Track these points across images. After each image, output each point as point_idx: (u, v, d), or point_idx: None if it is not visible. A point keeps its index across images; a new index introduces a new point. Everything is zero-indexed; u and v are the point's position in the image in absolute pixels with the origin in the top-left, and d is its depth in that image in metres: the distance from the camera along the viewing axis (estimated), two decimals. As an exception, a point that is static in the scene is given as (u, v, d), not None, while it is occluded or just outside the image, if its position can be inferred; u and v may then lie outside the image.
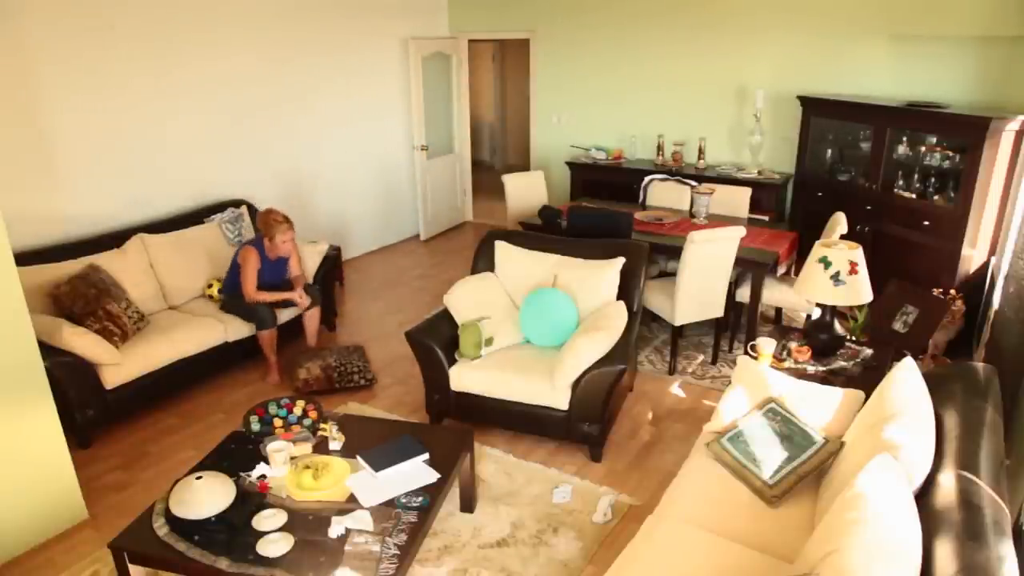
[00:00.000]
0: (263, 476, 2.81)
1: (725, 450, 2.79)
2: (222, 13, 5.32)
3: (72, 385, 3.64)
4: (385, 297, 6.06)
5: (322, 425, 3.10)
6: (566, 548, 3.04)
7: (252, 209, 5.38)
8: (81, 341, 3.67)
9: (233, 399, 4.37)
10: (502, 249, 4.20)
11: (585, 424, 3.59)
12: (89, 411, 3.76)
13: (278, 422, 3.13)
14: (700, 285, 4.37)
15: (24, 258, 4.01)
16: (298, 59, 6.06)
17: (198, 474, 2.68)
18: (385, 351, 5.02)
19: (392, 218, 7.54)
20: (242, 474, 2.83)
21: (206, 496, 2.59)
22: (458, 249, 7.42)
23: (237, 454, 2.98)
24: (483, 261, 4.27)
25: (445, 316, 3.96)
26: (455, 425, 3.82)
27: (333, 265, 5.27)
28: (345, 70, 6.57)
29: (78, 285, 3.95)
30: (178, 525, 2.56)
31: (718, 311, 4.54)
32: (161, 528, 2.55)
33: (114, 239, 4.51)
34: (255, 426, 3.11)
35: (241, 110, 5.62)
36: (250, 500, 2.69)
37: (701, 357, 4.86)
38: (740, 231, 4.27)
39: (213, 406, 4.30)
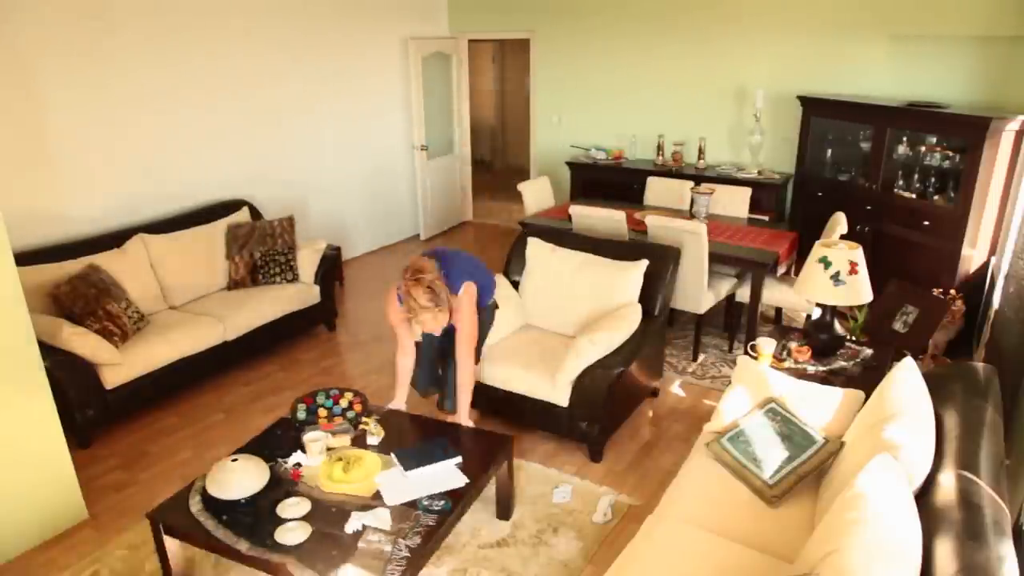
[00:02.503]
0: (298, 464, 2.86)
1: (725, 450, 2.79)
2: (222, 13, 5.32)
3: (72, 385, 3.64)
4: (385, 297, 6.05)
5: (364, 419, 3.11)
6: (566, 548, 3.04)
7: (253, 209, 5.38)
8: (81, 341, 3.67)
9: (233, 399, 4.37)
10: (534, 245, 4.31)
11: (584, 423, 3.59)
12: (89, 411, 3.76)
13: (323, 412, 3.18)
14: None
15: (24, 258, 4.01)
16: (298, 59, 6.06)
17: (234, 456, 2.74)
18: (385, 351, 5.02)
19: (392, 218, 7.54)
20: (280, 460, 2.89)
21: (239, 478, 2.66)
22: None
23: (280, 440, 3.05)
24: (516, 257, 4.40)
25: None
26: (497, 430, 3.80)
27: (333, 265, 5.27)
28: (345, 70, 6.57)
29: (78, 285, 3.95)
30: (212, 504, 2.64)
31: (697, 307, 4.58)
32: (196, 504, 2.64)
33: (114, 239, 4.50)
34: (301, 414, 3.17)
35: (241, 110, 5.62)
36: (280, 486, 2.74)
37: (702, 357, 4.86)
38: (699, 227, 4.35)
39: (213, 406, 4.30)
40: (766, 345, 3.34)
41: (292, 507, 2.60)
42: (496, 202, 9.20)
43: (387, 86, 7.10)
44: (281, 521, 2.55)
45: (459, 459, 2.89)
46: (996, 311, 4.21)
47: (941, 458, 2.16)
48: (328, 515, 2.58)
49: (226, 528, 2.52)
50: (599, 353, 3.54)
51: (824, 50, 5.75)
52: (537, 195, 5.85)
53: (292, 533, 2.47)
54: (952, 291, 4.48)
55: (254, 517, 2.58)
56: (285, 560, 2.37)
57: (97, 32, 4.53)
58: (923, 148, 4.84)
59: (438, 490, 2.72)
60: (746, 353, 3.67)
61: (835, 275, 3.26)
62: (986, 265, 4.68)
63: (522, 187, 5.79)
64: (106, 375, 3.81)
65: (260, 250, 4.92)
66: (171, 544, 2.68)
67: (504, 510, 3.21)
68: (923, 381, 2.49)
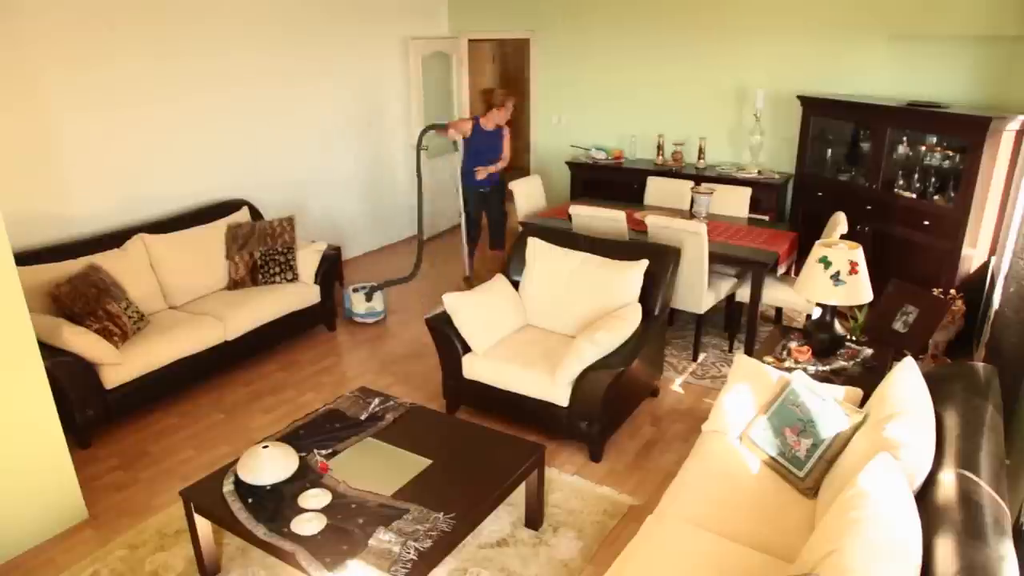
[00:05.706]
0: (330, 456, 2.91)
1: (756, 446, 2.79)
2: (223, 13, 5.32)
3: (72, 385, 3.64)
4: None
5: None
6: (566, 548, 3.04)
7: (253, 209, 5.38)
8: (81, 341, 3.67)
9: (233, 399, 4.37)
10: (533, 244, 4.31)
11: (584, 423, 3.59)
12: (89, 411, 3.75)
13: None
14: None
15: (24, 258, 4.00)
16: (298, 59, 6.05)
17: (264, 443, 2.79)
18: (385, 351, 5.02)
19: (392, 218, 7.54)
20: (315, 451, 2.93)
21: (266, 465, 2.71)
22: (458, 249, 7.41)
23: (322, 430, 3.12)
24: (516, 257, 4.40)
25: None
26: (524, 438, 3.78)
27: (333, 265, 5.26)
28: (345, 70, 6.57)
29: (78, 285, 3.95)
30: (241, 487, 2.73)
31: (697, 307, 4.57)
32: (228, 486, 2.74)
33: (114, 239, 4.50)
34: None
35: (241, 110, 5.62)
36: (306, 477, 2.78)
37: (702, 356, 4.86)
38: (700, 227, 4.35)
39: (213, 406, 4.30)
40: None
41: (312, 498, 2.64)
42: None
43: (387, 86, 7.10)
44: (300, 511, 2.59)
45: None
46: (996, 311, 4.20)
47: (941, 458, 2.16)
48: (347, 510, 2.60)
49: (249, 512, 2.60)
50: (599, 353, 3.54)
51: (824, 50, 5.75)
52: (528, 194, 5.82)
53: (308, 524, 2.51)
54: (952, 291, 4.47)
55: (276, 504, 2.64)
56: (295, 549, 2.41)
57: (98, 33, 4.53)
58: (923, 148, 4.84)
59: None
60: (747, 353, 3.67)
61: (835, 275, 3.26)
62: (986, 265, 4.68)
63: (513, 185, 5.73)
64: (106, 375, 3.81)
65: (260, 250, 4.92)
66: (200, 522, 2.75)
67: (532, 520, 3.15)
68: (923, 381, 2.49)
